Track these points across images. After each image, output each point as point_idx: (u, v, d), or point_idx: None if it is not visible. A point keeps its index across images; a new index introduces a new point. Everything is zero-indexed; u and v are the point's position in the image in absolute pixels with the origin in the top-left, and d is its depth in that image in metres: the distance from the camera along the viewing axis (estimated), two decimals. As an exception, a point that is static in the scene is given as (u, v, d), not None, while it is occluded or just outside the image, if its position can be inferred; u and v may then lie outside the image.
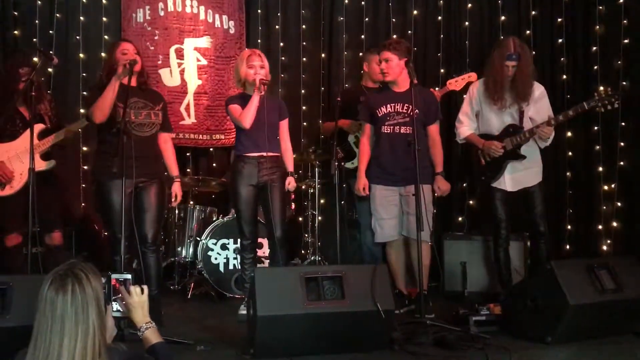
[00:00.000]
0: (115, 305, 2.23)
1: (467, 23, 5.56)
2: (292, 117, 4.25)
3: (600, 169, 4.83)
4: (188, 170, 5.63)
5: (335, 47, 5.79)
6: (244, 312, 3.51)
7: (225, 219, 4.75)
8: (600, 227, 4.81)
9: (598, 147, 4.85)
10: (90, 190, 5.22)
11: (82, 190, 5.24)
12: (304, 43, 5.79)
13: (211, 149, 5.77)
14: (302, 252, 5.39)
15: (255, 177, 3.77)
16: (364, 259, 4.49)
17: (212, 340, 3.25)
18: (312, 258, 5.16)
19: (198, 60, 5.72)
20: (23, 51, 4.27)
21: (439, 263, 4.39)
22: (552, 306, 3.07)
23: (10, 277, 2.73)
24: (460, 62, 5.44)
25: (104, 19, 5.42)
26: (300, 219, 5.50)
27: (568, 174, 5.03)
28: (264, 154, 3.74)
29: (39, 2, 5.23)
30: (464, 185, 5.42)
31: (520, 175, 3.98)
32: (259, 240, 4.54)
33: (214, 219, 4.97)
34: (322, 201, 5.28)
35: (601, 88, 3.73)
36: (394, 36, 5.61)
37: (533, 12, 5.39)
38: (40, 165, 3.84)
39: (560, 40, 5.21)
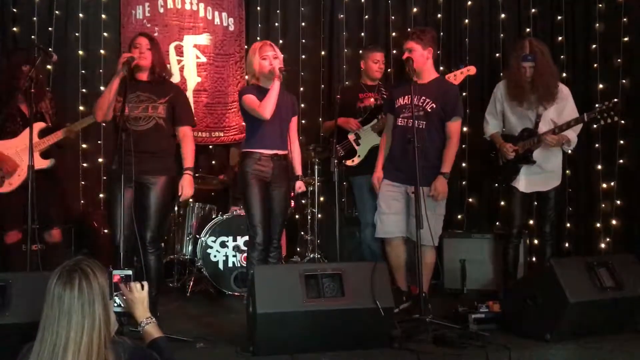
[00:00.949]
0: (117, 300, 2.23)
1: (466, 21, 5.55)
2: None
3: (600, 167, 4.83)
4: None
5: (335, 44, 5.78)
6: None
7: (224, 216, 4.75)
8: (599, 225, 4.81)
9: (597, 145, 4.85)
10: (88, 188, 5.24)
11: (81, 187, 5.23)
12: (304, 40, 5.78)
13: (210, 147, 5.76)
14: (301, 249, 5.39)
15: (267, 176, 3.67)
16: (363, 256, 4.49)
17: (211, 337, 3.26)
18: (312, 256, 5.16)
19: (197, 57, 5.71)
20: (25, 48, 4.25)
21: (439, 261, 4.39)
22: (552, 304, 3.08)
23: (10, 274, 2.73)
24: (460, 60, 5.42)
25: (103, 16, 5.40)
26: (297, 216, 5.50)
27: (568, 171, 5.00)
28: (278, 152, 3.68)
29: (38, -1, 5.23)
30: (463, 183, 5.41)
31: (536, 178, 3.99)
32: (247, 238, 4.54)
33: (213, 216, 4.97)
34: (321, 199, 5.27)
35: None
36: (394, 34, 5.62)
37: (533, 10, 5.38)
38: (40, 163, 3.83)
39: (560, 38, 5.20)
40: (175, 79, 5.63)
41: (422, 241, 3.50)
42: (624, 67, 4.72)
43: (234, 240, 4.63)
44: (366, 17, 5.72)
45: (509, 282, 4.02)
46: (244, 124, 5.59)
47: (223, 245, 4.61)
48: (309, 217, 5.36)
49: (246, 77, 5.62)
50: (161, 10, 5.62)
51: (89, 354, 1.73)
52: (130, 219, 3.30)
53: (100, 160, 5.22)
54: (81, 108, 5.21)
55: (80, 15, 5.31)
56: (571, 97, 3.97)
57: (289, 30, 5.79)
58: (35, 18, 5.14)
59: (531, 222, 4.68)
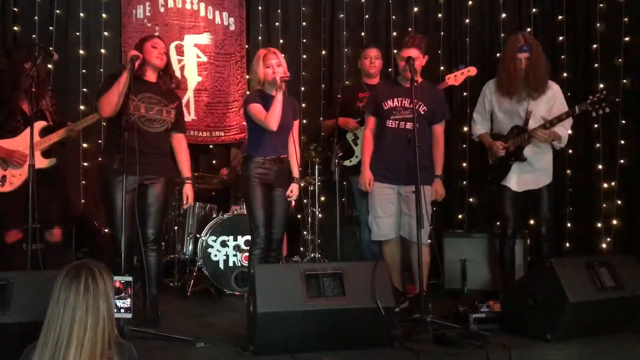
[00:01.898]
0: (119, 304, 2.24)
1: (467, 20, 5.55)
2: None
3: (601, 166, 4.82)
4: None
5: (335, 44, 5.79)
6: None
7: (225, 216, 4.75)
8: (600, 224, 4.81)
9: (598, 144, 4.84)
10: (90, 187, 5.24)
11: (82, 186, 5.24)
12: (304, 40, 5.78)
13: (211, 146, 5.77)
14: (302, 249, 5.39)
15: (271, 179, 3.72)
16: (363, 256, 4.50)
17: (212, 336, 3.25)
18: (312, 255, 5.16)
19: (198, 56, 5.71)
20: (26, 46, 4.24)
21: (439, 260, 4.39)
22: (552, 303, 3.08)
23: (10, 273, 2.73)
24: (461, 60, 5.41)
25: (104, 15, 5.40)
26: (299, 216, 5.50)
27: (568, 171, 5.02)
28: (280, 156, 3.74)
29: (39, -1, 5.23)
30: (464, 183, 5.41)
31: (527, 177, 3.99)
32: (248, 237, 4.53)
33: (214, 216, 4.97)
34: (322, 198, 5.27)
35: (601, 87, 3.71)
36: (394, 33, 5.62)
37: (534, 10, 5.37)
38: (41, 162, 3.84)
39: (560, 38, 5.19)
40: (176, 78, 5.64)
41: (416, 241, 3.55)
42: (624, 66, 4.71)
43: (235, 239, 4.63)
44: (366, 16, 5.73)
45: (508, 283, 4.02)
46: (244, 123, 5.63)
47: (223, 244, 4.61)
48: (309, 216, 5.36)
49: (247, 77, 5.63)
50: (162, 9, 5.63)
51: (92, 352, 1.77)
52: (132, 218, 3.31)
53: (100, 159, 5.21)
54: (82, 107, 5.22)
55: (81, 14, 5.32)
56: (561, 94, 3.99)
57: (290, 30, 5.80)
58: (36, 17, 5.15)
59: (532, 222, 4.67)
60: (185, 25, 5.67)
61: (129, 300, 2.86)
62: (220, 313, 3.99)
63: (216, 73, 5.75)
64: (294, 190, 3.83)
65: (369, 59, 4.61)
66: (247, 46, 5.80)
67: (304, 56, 5.75)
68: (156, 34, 5.46)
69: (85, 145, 5.23)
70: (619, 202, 4.72)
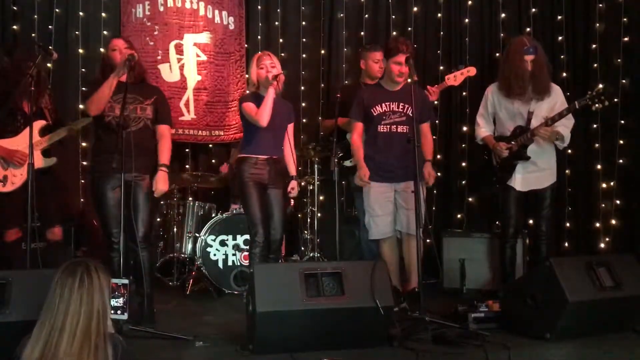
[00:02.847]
0: (113, 303, 2.26)
1: (467, 20, 5.56)
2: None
3: (600, 166, 4.84)
4: (187, 166, 5.62)
5: (335, 43, 5.79)
6: None
7: (224, 215, 4.75)
8: (599, 224, 4.82)
9: (597, 144, 4.85)
10: (88, 186, 5.23)
11: (80, 185, 5.23)
12: (304, 39, 5.78)
13: (210, 145, 5.76)
14: (301, 249, 5.39)
15: (264, 179, 3.75)
16: (363, 255, 4.50)
17: (211, 335, 3.25)
18: (311, 254, 5.16)
19: (198, 55, 5.71)
20: (28, 45, 4.22)
21: (438, 260, 4.39)
22: (552, 303, 3.08)
23: (10, 272, 2.73)
24: (460, 59, 5.42)
25: (103, 14, 5.40)
26: (299, 215, 5.50)
27: (567, 171, 5.03)
28: (274, 156, 3.78)
29: (38, -2, 5.22)
30: (463, 182, 5.41)
31: (532, 177, 4.00)
32: (247, 236, 4.53)
33: (213, 215, 4.97)
34: (321, 198, 5.27)
35: (600, 85, 3.72)
36: (394, 33, 5.62)
37: (533, 10, 5.38)
38: (41, 162, 3.84)
39: (560, 38, 5.20)
40: (175, 77, 5.64)
41: (413, 232, 3.60)
42: (623, 67, 4.72)
43: (234, 239, 4.63)
44: (366, 16, 5.73)
45: (508, 282, 4.03)
46: (243, 123, 5.65)
47: (223, 243, 4.61)
48: (308, 216, 5.36)
49: (246, 76, 5.63)
50: (161, 8, 5.62)
51: (84, 342, 1.85)
52: (121, 217, 3.33)
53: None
54: (81, 106, 5.20)
55: (81, 13, 5.31)
56: (562, 95, 4.01)
57: (289, 29, 5.80)
58: (35, 16, 5.14)
59: (531, 221, 4.67)
60: (184, 24, 5.67)
61: (122, 300, 2.88)
62: (219, 312, 3.99)
63: (216, 72, 5.75)
64: (294, 187, 3.88)
65: (379, 62, 4.60)
66: (246, 45, 5.79)
67: (304, 55, 5.76)
68: (156, 32, 5.49)
69: (83, 144, 5.23)
70: (618, 201, 4.74)
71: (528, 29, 5.24)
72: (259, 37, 5.76)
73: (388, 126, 3.99)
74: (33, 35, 5.10)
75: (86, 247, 4.72)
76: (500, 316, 3.38)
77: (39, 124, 3.90)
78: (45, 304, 1.93)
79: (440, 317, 3.40)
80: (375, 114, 4.00)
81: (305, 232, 5.37)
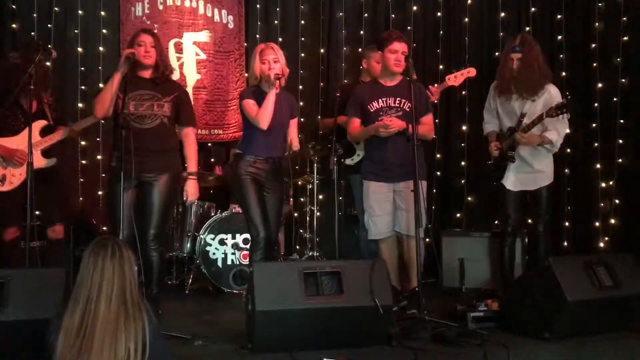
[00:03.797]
0: None
1: (466, 19, 5.55)
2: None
3: (599, 166, 4.83)
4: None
5: (334, 42, 5.78)
6: None
7: (223, 214, 4.74)
8: (598, 224, 4.81)
9: (596, 144, 4.85)
10: (87, 185, 5.23)
11: (80, 184, 5.23)
12: (303, 38, 5.78)
13: (209, 144, 5.76)
14: (300, 248, 5.39)
15: (261, 176, 3.67)
16: (362, 254, 4.50)
17: (210, 334, 3.25)
18: (310, 254, 5.16)
19: (197, 54, 5.70)
20: (27, 44, 4.19)
21: (437, 259, 4.39)
22: (550, 303, 3.08)
23: (8, 270, 2.72)
24: (460, 58, 5.43)
25: (102, 12, 5.38)
26: (296, 214, 5.50)
27: (566, 170, 5.02)
28: (273, 156, 3.68)
29: (37, -5, 5.21)
30: (462, 182, 5.41)
31: (525, 177, 4.00)
32: (247, 235, 4.50)
33: (212, 214, 4.96)
34: (320, 197, 5.27)
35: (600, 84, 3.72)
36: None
37: (533, 9, 5.37)
38: (41, 162, 3.81)
39: (559, 37, 5.19)
40: (175, 76, 5.59)
41: (412, 234, 3.55)
42: (623, 66, 4.71)
43: (233, 237, 4.63)
44: (365, 15, 5.73)
45: (506, 281, 4.03)
46: (243, 122, 5.65)
47: (222, 242, 4.61)
48: (307, 215, 5.36)
49: (245, 74, 5.63)
50: (160, 7, 5.61)
51: (119, 307, 2.00)
52: (130, 217, 3.28)
53: (99, 157, 5.21)
54: (80, 105, 5.19)
55: (80, 12, 5.29)
56: (559, 97, 3.92)
57: (288, 28, 5.80)
58: (34, 15, 5.12)
59: (529, 220, 4.67)
60: (184, 22, 5.66)
61: None
62: (218, 311, 3.99)
63: (215, 71, 5.74)
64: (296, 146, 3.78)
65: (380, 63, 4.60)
66: (245, 44, 5.79)
67: (303, 54, 5.75)
68: (155, 30, 5.46)
69: (83, 143, 5.22)
70: (617, 201, 4.74)
71: (527, 28, 5.24)
72: (257, 35, 5.75)
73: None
74: (32, 33, 5.07)
75: (85, 246, 4.71)
76: (499, 315, 3.37)
77: (39, 124, 3.88)
78: (79, 277, 2.05)
79: (439, 317, 3.40)
80: (372, 110, 3.94)
81: (303, 231, 5.38)
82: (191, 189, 3.61)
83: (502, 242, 4.13)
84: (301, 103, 5.60)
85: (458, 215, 5.39)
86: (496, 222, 5.14)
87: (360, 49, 5.62)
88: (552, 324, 3.07)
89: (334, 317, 2.86)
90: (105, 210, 4.90)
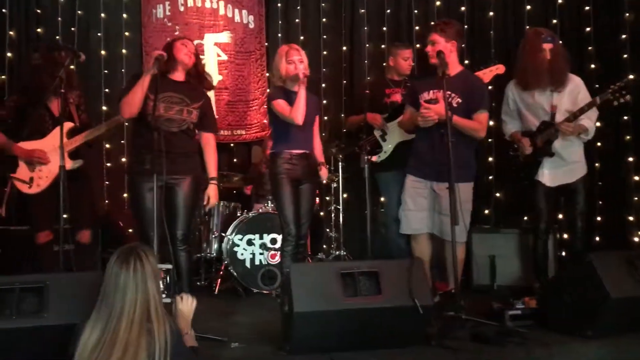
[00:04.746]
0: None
1: (491, 13, 5.47)
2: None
3: (631, 159, 4.73)
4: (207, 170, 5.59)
5: (356, 39, 5.74)
6: None
7: (250, 214, 4.72)
8: (631, 218, 4.71)
9: (629, 137, 4.75)
10: (113, 187, 5.24)
11: (105, 187, 5.24)
12: (325, 36, 5.75)
13: (232, 144, 5.75)
14: (326, 247, 5.36)
15: (298, 174, 3.74)
16: (390, 252, 4.43)
17: (244, 336, 3.23)
18: (337, 253, 5.13)
19: (218, 55, 5.71)
20: (59, 47, 4.16)
21: (468, 256, 4.33)
22: (592, 300, 3.02)
23: (46, 275, 2.72)
24: (485, 53, 5.35)
25: (124, 15, 5.41)
26: (322, 213, 5.47)
27: (597, 164, 4.93)
28: (306, 151, 3.77)
29: (61, 0, 5.22)
30: (490, 178, 5.33)
31: (560, 172, 3.92)
32: (274, 235, 4.55)
33: (238, 214, 4.95)
34: (344, 195, 5.23)
35: (630, 77, 3.64)
36: (416, 28, 5.56)
37: (559, 1, 5.27)
38: (68, 163, 3.81)
39: (588, 29, 5.09)
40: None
41: (448, 239, 3.49)
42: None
43: (261, 238, 4.60)
44: (388, 11, 5.68)
45: (541, 279, 3.96)
46: (265, 121, 5.63)
47: (250, 243, 4.58)
48: (332, 214, 5.33)
49: (267, 74, 5.60)
50: (181, 8, 5.62)
51: (141, 327, 1.98)
52: (160, 218, 3.28)
53: (123, 159, 5.22)
54: (104, 108, 5.21)
55: (102, 15, 5.32)
56: (584, 86, 3.91)
57: (310, 27, 5.78)
58: (59, 18, 5.15)
59: (560, 216, 4.59)
60: (205, 24, 5.67)
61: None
62: (249, 312, 3.96)
63: (236, 71, 5.75)
64: (324, 171, 3.91)
65: (409, 60, 4.56)
66: (266, 44, 5.77)
67: (325, 52, 5.73)
68: (176, 32, 5.48)
69: (107, 145, 5.24)
70: (651, 194, 4.64)
71: (555, 21, 5.15)
72: (279, 35, 5.73)
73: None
74: (57, 37, 5.11)
75: (113, 249, 4.70)
76: (537, 313, 3.32)
77: (66, 126, 3.86)
78: (102, 291, 2.05)
79: (476, 315, 3.33)
80: (422, 101, 3.79)
81: (329, 230, 5.35)
82: (212, 194, 3.66)
83: (535, 239, 4.06)
84: (324, 101, 5.56)
85: (486, 211, 5.30)
86: (525, 218, 5.08)
87: (383, 46, 5.58)
88: (594, 322, 3.01)
89: (372, 317, 2.82)
90: (131, 212, 4.89)
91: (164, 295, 2.89)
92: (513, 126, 4.12)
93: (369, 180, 3.99)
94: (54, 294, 2.57)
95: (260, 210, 4.76)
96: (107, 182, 5.24)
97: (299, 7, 5.73)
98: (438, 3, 5.59)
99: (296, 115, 3.60)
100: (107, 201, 5.23)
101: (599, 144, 4.83)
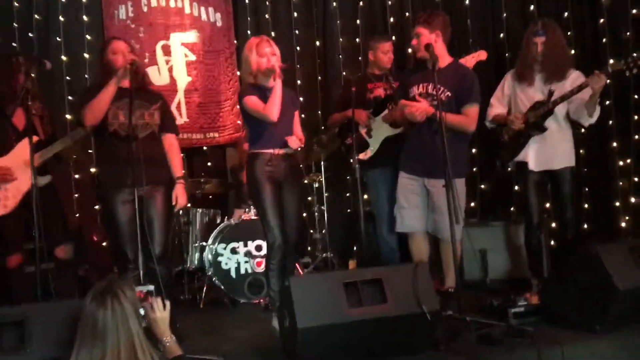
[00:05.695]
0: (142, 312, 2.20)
1: (467, 2, 5.36)
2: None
3: (615, 144, 4.70)
4: (183, 171, 5.36)
5: (329, 34, 5.59)
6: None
7: (233, 221, 4.51)
8: (617, 203, 4.69)
9: (611, 121, 4.72)
10: (83, 200, 4.97)
11: (75, 200, 4.96)
12: (296, 31, 5.59)
13: (205, 148, 5.54)
14: (311, 249, 5.20)
15: (279, 176, 3.51)
16: (380, 252, 4.32)
17: (239, 352, 3.07)
18: (323, 255, 4.97)
19: (186, 55, 5.49)
20: (23, 55, 3.87)
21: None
22: (599, 293, 2.93)
23: (25, 307, 2.52)
24: (463, 43, 5.24)
25: (85, 17, 5.12)
26: (304, 214, 5.30)
27: (581, 151, 4.88)
28: (288, 151, 3.52)
29: (16, 4, 4.88)
30: (474, 169, 5.24)
31: (546, 155, 3.79)
32: (259, 242, 4.34)
33: (218, 221, 4.74)
34: (326, 195, 5.08)
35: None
36: (391, 19, 5.42)
37: (536, -14, 5.21)
38: (37, 180, 3.52)
39: (566, 14, 5.03)
40: (165, 80, 5.41)
41: (444, 237, 3.41)
42: (633, 40, 4.57)
43: (245, 245, 4.39)
44: (361, 4, 5.53)
45: (538, 274, 3.87)
46: (239, 122, 5.43)
47: (234, 251, 4.36)
48: (316, 214, 5.18)
49: (238, 73, 5.40)
50: (145, 9, 5.37)
51: None
52: (141, 234, 3.08)
53: (93, 170, 4.94)
54: (68, 117, 4.91)
55: (61, 18, 5.02)
56: (584, 79, 3.76)
57: (281, 22, 5.61)
58: (15, 24, 4.82)
59: (547, 205, 4.52)
60: (170, 23, 5.44)
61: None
62: (239, 325, 3.75)
63: (206, 72, 5.54)
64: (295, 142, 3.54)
65: (388, 53, 4.42)
66: (236, 42, 5.57)
67: (298, 48, 5.56)
68: (141, 34, 5.23)
69: (75, 156, 4.94)
70: (636, 179, 4.61)
71: (532, 7, 5.07)
72: (248, 32, 5.54)
73: None
74: (14, 44, 4.77)
75: (87, 264, 4.45)
76: (540, 309, 3.22)
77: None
78: (78, 339, 1.88)
79: (479, 315, 3.22)
80: (410, 96, 3.70)
81: (313, 231, 5.20)
82: (180, 193, 3.48)
83: (527, 234, 3.95)
84: (301, 98, 5.38)
85: (472, 204, 5.21)
86: (512, 208, 5.02)
87: (357, 39, 5.44)
88: (602, 316, 2.92)
89: (379, 327, 2.68)
90: (103, 227, 4.65)
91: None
92: (498, 109, 3.99)
93: (360, 180, 3.84)
94: (35, 328, 2.36)
95: (242, 218, 4.54)
96: (76, 195, 4.95)
97: (268, 3, 5.55)
98: (412, -6, 5.47)
99: (271, 111, 3.35)
100: (77, 215, 4.94)
101: (582, 130, 4.76)
